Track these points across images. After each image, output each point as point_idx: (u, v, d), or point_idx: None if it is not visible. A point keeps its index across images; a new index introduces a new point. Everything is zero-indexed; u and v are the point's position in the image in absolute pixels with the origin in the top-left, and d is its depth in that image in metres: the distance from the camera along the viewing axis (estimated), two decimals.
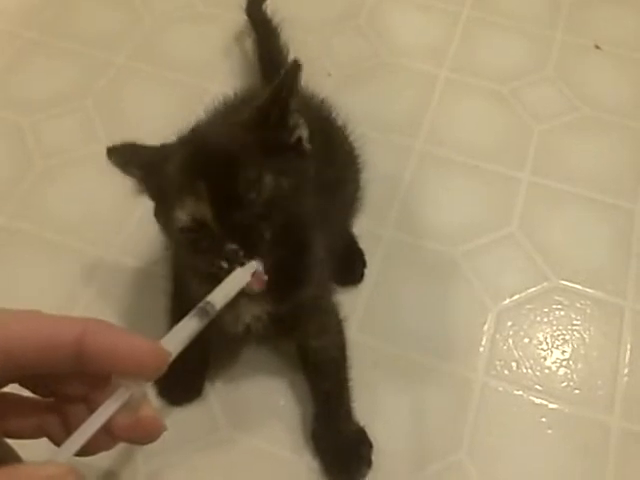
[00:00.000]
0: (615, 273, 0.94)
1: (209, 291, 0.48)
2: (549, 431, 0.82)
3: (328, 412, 0.80)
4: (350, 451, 0.78)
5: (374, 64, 1.16)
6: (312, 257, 0.69)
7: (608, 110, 1.11)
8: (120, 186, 0.97)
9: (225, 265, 0.57)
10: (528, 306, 0.91)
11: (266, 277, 0.58)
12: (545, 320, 0.90)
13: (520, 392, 0.84)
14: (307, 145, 0.65)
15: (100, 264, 0.93)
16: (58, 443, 0.42)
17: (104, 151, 0.63)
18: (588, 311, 0.91)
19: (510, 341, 0.88)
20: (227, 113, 0.82)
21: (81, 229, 0.96)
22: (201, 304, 0.45)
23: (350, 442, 0.79)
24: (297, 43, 1.06)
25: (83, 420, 0.38)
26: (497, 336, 0.88)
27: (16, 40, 1.17)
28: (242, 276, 0.53)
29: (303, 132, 0.64)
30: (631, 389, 0.85)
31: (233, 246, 0.57)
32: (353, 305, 0.88)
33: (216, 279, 0.52)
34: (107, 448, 0.42)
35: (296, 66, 0.61)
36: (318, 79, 1.04)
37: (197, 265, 0.62)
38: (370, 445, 0.78)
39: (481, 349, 0.87)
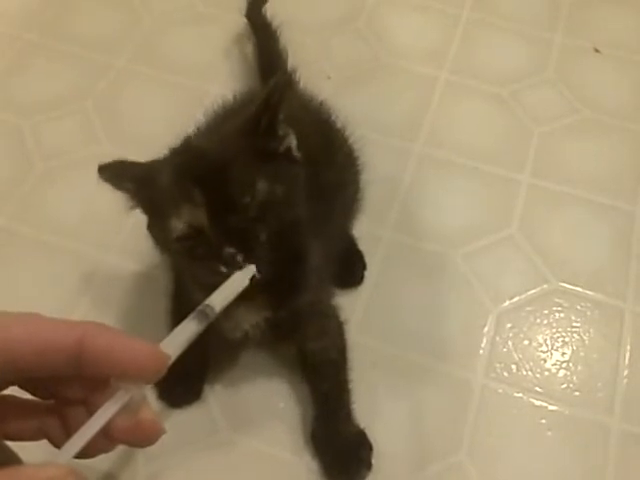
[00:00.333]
0: (615, 275, 0.94)
1: (207, 294, 0.48)
2: (549, 433, 0.82)
3: (328, 414, 0.80)
4: (350, 453, 0.78)
5: (373, 66, 1.16)
6: (308, 263, 0.70)
7: (608, 112, 1.11)
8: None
9: (224, 270, 0.57)
10: (528, 308, 0.91)
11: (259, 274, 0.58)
12: (545, 322, 0.90)
13: (520, 394, 0.84)
14: (296, 153, 0.66)
15: (100, 266, 0.93)
16: (58, 445, 0.42)
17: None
18: (588, 313, 0.91)
19: (510, 343, 0.88)
20: (226, 116, 0.82)
21: (81, 231, 0.96)
22: (200, 307, 0.45)
23: (350, 444, 0.79)
24: (296, 45, 1.06)
25: (83, 422, 0.38)
26: (497, 338, 0.88)
27: (16, 42, 1.17)
28: (241, 279, 0.53)
29: (292, 141, 0.65)
30: (631, 391, 0.85)
31: (231, 250, 0.58)
32: (353, 307, 0.88)
33: (215, 286, 0.52)
34: (106, 450, 0.42)
35: (284, 77, 0.62)
36: (317, 81, 1.04)
37: (196, 273, 0.63)
38: (370, 447, 0.78)
39: (481, 351, 0.87)
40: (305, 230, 0.67)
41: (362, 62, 1.16)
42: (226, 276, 0.55)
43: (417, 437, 0.81)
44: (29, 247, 0.94)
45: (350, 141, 0.88)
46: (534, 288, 0.93)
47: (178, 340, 0.42)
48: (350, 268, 0.91)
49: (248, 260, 0.58)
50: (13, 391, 0.42)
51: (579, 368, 0.87)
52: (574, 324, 0.90)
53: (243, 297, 0.55)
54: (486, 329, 0.89)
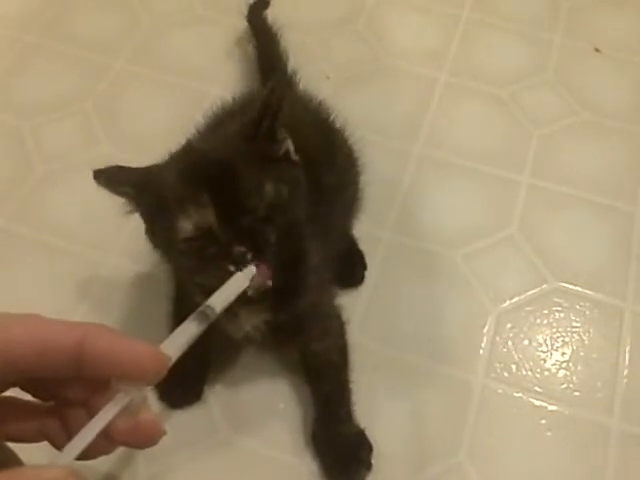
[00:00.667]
0: (615, 275, 0.94)
1: (207, 296, 0.48)
2: (549, 433, 0.82)
3: (328, 415, 0.80)
4: (350, 454, 0.78)
5: (373, 67, 1.16)
6: (308, 265, 0.70)
7: (608, 114, 1.11)
8: None
9: (233, 268, 0.58)
10: (528, 308, 0.91)
11: (270, 271, 0.59)
12: (545, 322, 0.90)
13: (520, 394, 0.84)
14: (295, 157, 0.66)
15: (100, 267, 0.93)
16: (58, 446, 0.42)
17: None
18: (588, 313, 0.91)
19: (510, 343, 0.88)
20: (226, 118, 0.82)
21: (81, 232, 0.96)
22: (201, 308, 0.45)
23: (350, 445, 0.79)
24: (296, 46, 1.07)
25: (83, 424, 0.38)
26: (497, 338, 0.88)
27: (16, 44, 1.17)
28: (241, 280, 0.53)
29: (289, 144, 0.66)
30: (631, 391, 0.85)
31: (241, 248, 0.59)
32: (353, 307, 0.89)
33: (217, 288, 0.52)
34: (107, 452, 0.42)
35: (282, 80, 0.63)
36: (317, 82, 1.04)
37: (203, 273, 0.63)
38: (370, 447, 0.78)
39: (481, 351, 0.87)
40: (306, 232, 0.67)
41: (362, 63, 1.16)
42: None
43: (417, 437, 0.81)
44: (29, 248, 0.94)
45: (350, 142, 0.89)
46: (534, 288, 0.93)
47: (178, 341, 0.42)
48: (350, 268, 0.92)
49: (257, 259, 0.58)
50: (14, 392, 0.42)
51: (579, 368, 0.87)
52: (574, 324, 0.90)
53: (245, 299, 0.55)
54: (486, 329, 0.89)
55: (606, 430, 0.82)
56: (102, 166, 0.98)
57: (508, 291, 0.93)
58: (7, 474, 0.33)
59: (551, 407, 0.84)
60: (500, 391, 0.85)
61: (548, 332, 0.90)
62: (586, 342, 0.89)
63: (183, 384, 0.80)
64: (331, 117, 0.88)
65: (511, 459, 0.80)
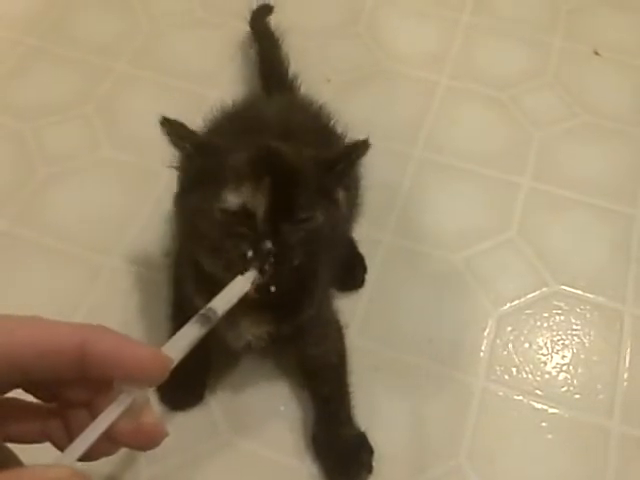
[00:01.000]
0: (615, 278, 0.94)
1: (208, 300, 0.48)
2: (549, 436, 0.82)
3: (328, 417, 0.80)
4: (350, 456, 0.78)
5: (373, 71, 1.16)
6: (317, 284, 0.72)
7: (608, 116, 1.11)
8: (122, 193, 0.99)
9: (250, 255, 0.59)
10: (528, 311, 0.91)
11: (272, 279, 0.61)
12: (545, 325, 0.90)
13: (520, 397, 0.85)
14: (343, 206, 0.70)
15: (101, 271, 0.93)
16: (60, 447, 0.42)
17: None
18: (588, 316, 0.91)
19: (510, 346, 0.88)
20: (228, 121, 0.83)
21: (82, 236, 0.96)
22: (203, 311, 0.45)
23: (350, 447, 0.79)
24: (297, 50, 1.07)
25: (85, 425, 0.38)
26: (497, 341, 0.89)
27: (18, 47, 1.17)
28: (243, 284, 0.53)
29: (342, 196, 0.69)
30: (631, 393, 0.85)
31: (270, 246, 0.60)
32: (353, 310, 0.89)
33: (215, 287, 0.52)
34: (109, 453, 0.42)
35: (366, 144, 0.68)
36: (317, 85, 1.05)
37: (219, 249, 0.63)
38: (371, 450, 0.79)
39: (481, 354, 0.87)
40: (320, 256, 0.70)
41: (362, 66, 1.17)
42: (238, 271, 0.57)
43: (417, 440, 0.81)
44: (30, 251, 0.95)
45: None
46: (534, 291, 0.93)
47: (181, 344, 0.42)
48: (351, 271, 0.92)
49: (276, 266, 0.60)
50: (16, 394, 0.42)
51: (579, 371, 0.87)
52: (574, 327, 0.90)
53: (246, 310, 0.56)
54: (486, 332, 0.89)
55: (606, 433, 0.82)
56: (103, 170, 0.99)
57: (508, 294, 0.93)
58: (11, 473, 0.33)
59: (551, 410, 0.84)
60: (500, 394, 0.85)
61: (548, 335, 0.90)
62: (586, 345, 0.89)
63: (184, 386, 0.80)
64: (331, 122, 0.88)
65: (511, 461, 0.80)
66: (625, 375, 0.87)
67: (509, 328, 0.90)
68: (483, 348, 0.88)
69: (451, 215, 1.00)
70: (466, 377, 0.86)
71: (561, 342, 0.89)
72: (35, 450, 0.42)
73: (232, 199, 0.61)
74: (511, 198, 1.02)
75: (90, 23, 1.22)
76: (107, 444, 0.40)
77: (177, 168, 0.68)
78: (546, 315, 0.91)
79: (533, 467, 0.80)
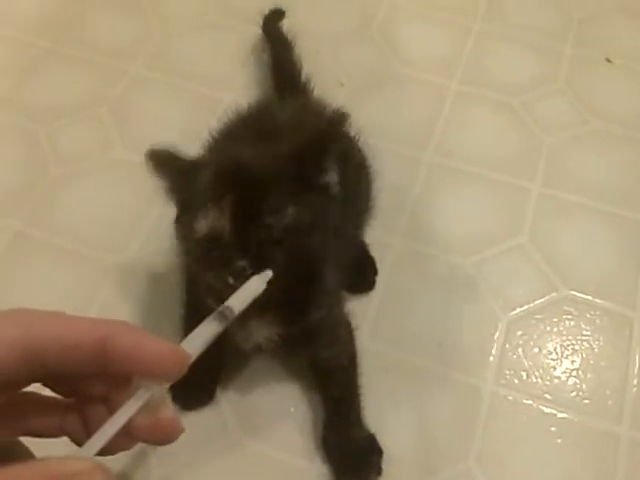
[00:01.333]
0: (625, 284, 0.95)
1: (219, 301, 0.49)
2: (558, 440, 0.82)
3: (338, 419, 0.80)
4: (360, 458, 0.79)
5: (385, 75, 1.17)
6: (323, 286, 0.70)
7: (618, 123, 1.11)
8: (134, 194, 0.99)
9: (231, 281, 0.58)
10: (538, 316, 0.92)
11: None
12: (555, 330, 0.91)
13: (529, 401, 0.85)
14: (334, 190, 0.67)
15: (113, 271, 0.93)
16: (78, 442, 0.42)
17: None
18: (597, 321, 0.91)
19: (520, 350, 0.89)
20: (242, 125, 0.83)
21: (94, 236, 0.96)
22: (220, 308, 0.46)
23: (360, 449, 0.79)
24: (310, 54, 1.07)
25: (103, 420, 0.39)
26: (507, 345, 0.89)
27: (31, 49, 1.18)
28: (259, 283, 0.54)
29: (333, 178, 0.66)
30: None
31: (243, 263, 0.59)
32: (364, 312, 0.89)
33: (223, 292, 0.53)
34: (126, 448, 0.42)
35: (342, 115, 0.65)
36: (331, 89, 1.05)
37: (206, 277, 0.63)
38: (380, 452, 0.79)
39: (491, 358, 0.88)
40: (326, 258, 0.68)
41: (374, 71, 1.17)
42: (233, 287, 0.55)
43: (426, 443, 0.82)
44: (43, 251, 0.95)
45: (362, 151, 0.89)
46: (544, 296, 0.93)
47: (198, 340, 0.42)
48: (362, 274, 0.92)
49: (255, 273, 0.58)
50: (34, 388, 0.43)
51: (588, 376, 0.87)
52: (584, 332, 0.91)
53: (256, 312, 0.56)
54: (496, 336, 0.89)
55: (616, 438, 0.82)
56: (116, 172, 0.99)
57: (518, 299, 0.93)
58: (32, 465, 0.34)
59: (561, 415, 0.84)
60: (510, 398, 0.85)
61: (558, 340, 0.90)
62: (596, 350, 0.89)
63: (196, 386, 0.81)
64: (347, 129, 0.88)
65: (520, 466, 0.81)
66: (634, 381, 0.87)
67: (519, 332, 0.90)
68: (493, 352, 0.88)
69: (461, 219, 1.00)
70: (475, 381, 0.86)
71: (570, 347, 0.89)
72: (47, 447, 0.43)
73: (201, 226, 0.61)
74: (521, 203, 1.02)
75: (102, 25, 1.23)
76: (124, 439, 0.41)
77: (167, 198, 0.67)
78: (556, 320, 0.91)
79: (542, 471, 0.80)
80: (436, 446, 0.81)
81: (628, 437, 0.82)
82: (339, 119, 0.66)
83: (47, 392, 0.44)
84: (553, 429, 0.83)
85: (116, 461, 0.70)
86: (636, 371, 0.87)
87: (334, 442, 0.79)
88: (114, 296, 0.91)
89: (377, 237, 0.95)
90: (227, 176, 0.63)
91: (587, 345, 0.90)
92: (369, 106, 1.10)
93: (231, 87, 1.13)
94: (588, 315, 0.92)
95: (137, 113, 1.10)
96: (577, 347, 0.89)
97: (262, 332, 0.72)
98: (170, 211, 0.69)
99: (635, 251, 0.97)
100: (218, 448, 0.80)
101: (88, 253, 0.95)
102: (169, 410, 0.41)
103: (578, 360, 0.88)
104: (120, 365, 0.39)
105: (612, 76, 1.18)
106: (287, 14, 1.12)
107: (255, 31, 1.15)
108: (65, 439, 0.44)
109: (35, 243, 0.96)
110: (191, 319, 0.80)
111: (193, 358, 0.41)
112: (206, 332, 0.43)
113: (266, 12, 1.13)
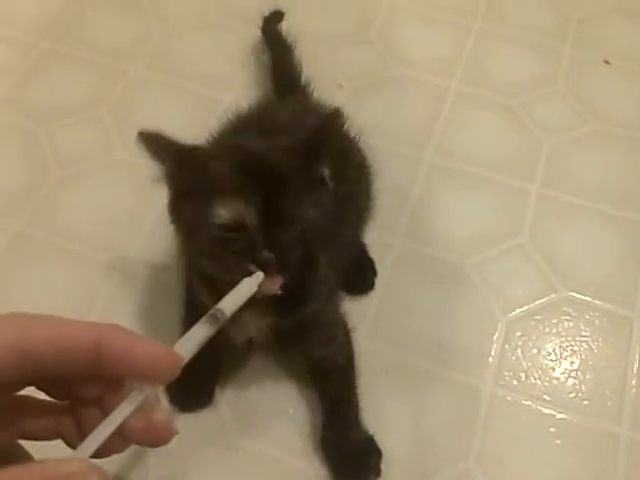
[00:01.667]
0: (624, 285, 0.94)
1: (218, 300, 0.49)
2: (557, 441, 0.82)
3: (336, 420, 0.80)
4: (359, 459, 0.79)
5: (385, 76, 1.17)
6: (318, 276, 0.72)
7: (618, 124, 1.11)
8: (134, 194, 0.99)
9: (254, 269, 0.58)
10: (537, 317, 0.92)
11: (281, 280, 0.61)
12: (554, 331, 0.91)
13: (529, 402, 0.85)
14: (330, 183, 0.67)
15: (113, 271, 0.94)
16: (72, 445, 0.42)
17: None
18: (597, 322, 0.91)
19: (519, 351, 0.89)
20: (243, 123, 0.83)
21: (94, 237, 0.97)
22: (211, 311, 0.46)
23: (359, 450, 0.79)
24: (309, 55, 1.07)
25: (96, 423, 0.39)
26: (506, 346, 0.89)
27: (32, 49, 1.19)
28: (250, 285, 0.54)
29: (326, 171, 0.67)
30: (639, 399, 0.85)
31: (271, 255, 0.60)
32: (364, 313, 0.89)
33: (224, 287, 0.53)
34: (120, 450, 0.42)
35: (337, 113, 0.66)
36: (330, 90, 1.05)
37: (220, 262, 0.63)
38: (379, 453, 0.79)
39: (490, 359, 0.88)
40: (319, 246, 0.69)
41: (373, 72, 1.17)
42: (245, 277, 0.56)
43: (426, 443, 0.82)
44: (44, 252, 0.95)
45: (362, 152, 0.89)
46: (543, 297, 0.93)
47: (191, 342, 0.42)
48: (361, 275, 0.92)
49: (280, 271, 0.60)
50: (28, 392, 0.43)
51: (587, 377, 0.87)
52: (583, 333, 0.90)
53: (250, 304, 0.56)
54: (495, 337, 0.89)
55: (615, 438, 0.82)
56: (116, 172, 1.00)
57: (518, 299, 0.93)
58: (28, 467, 0.34)
59: (560, 415, 0.84)
60: (509, 399, 0.85)
61: (557, 341, 0.90)
62: (595, 351, 0.89)
63: (194, 388, 0.81)
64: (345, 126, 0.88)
65: (520, 466, 0.81)
66: (633, 382, 0.87)
67: (518, 333, 0.90)
68: (492, 353, 0.88)
69: (461, 220, 1.00)
70: (475, 381, 0.86)
71: (570, 348, 0.89)
72: (44, 449, 0.43)
73: (223, 213, 0.61)
74: (521, 204, 1.02)
75: (104, 26, 1.23)
76: (118, 441, 0.41)
77: (164, 179, 0.66)
78: (555, 321, 0.91)
79: (542, 471, 0.80)
80: (436, 446, 0.82)
81: (627, 437, 0.82)
82: (333, 115, 0.67)
83: (41, 395, 0.44)
84: (552, 430, 0.83)
85: (115, 461, 0.70)
86: (635, 372, 0.87)
87: (333, 443, 0.79)
88: (114, 296, 0.92)
89: (377, 237, 0.95)
90: (248, 166, 0.63)
91: (586, 346, 0.90)
92: (369, 107, 1.10)
93: (231, 87, 1.13)
94: (587, 316, 0.92)
95: (137, 113, 1.10)
96: (576, 348, 0.89)
97: (255, 323, 0.72)
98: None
99: (635, 252, 0.97)
100: (216, 449, 0.80)
101: (88, 253, 0.95)
102: (162, 412, 0.41)
103: (577, 361, 0.88)
104: (114, 367, 0.39)
105: (611, 77, 1.18)
106: (286, 16, 1.12)
107: (255, 31, 1.15)
108: (51, 443, 0.44)
109: (35, 243, 0.96)
110: (191, 318, 0.79)
111: (185, 360, 0.41)
112: (198, 334, 0.43)
113: (266, 13, 1.13)
